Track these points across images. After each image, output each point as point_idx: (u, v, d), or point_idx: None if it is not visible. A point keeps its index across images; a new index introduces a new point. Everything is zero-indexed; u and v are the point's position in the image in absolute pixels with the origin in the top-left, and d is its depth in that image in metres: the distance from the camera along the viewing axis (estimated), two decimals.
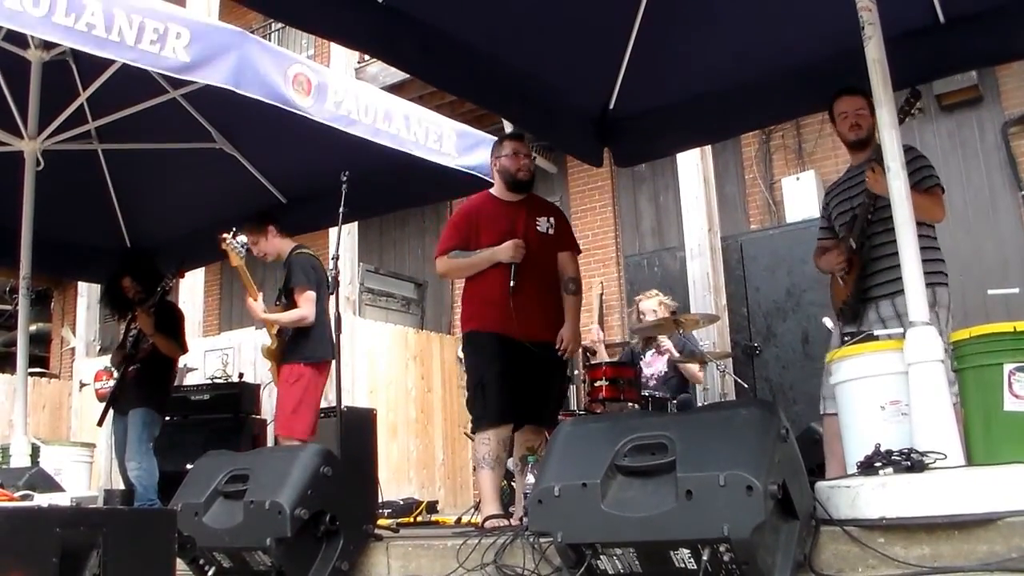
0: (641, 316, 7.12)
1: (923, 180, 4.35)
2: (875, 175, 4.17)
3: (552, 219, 5.18)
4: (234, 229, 5.72)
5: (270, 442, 7.98)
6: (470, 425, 4.98)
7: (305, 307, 5.67)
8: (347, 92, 5.02)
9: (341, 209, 4.80)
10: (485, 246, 5.00)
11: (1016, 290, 6.88)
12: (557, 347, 4.98)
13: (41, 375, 13.66)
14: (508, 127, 9.16)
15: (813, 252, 4.99)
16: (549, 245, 5.13)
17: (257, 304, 5.79)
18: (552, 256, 5.15)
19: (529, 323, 4.88)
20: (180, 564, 3.56)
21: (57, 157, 5.83)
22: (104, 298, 7.40)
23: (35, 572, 2.67)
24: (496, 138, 5.46)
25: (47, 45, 5.33)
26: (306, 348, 5.69)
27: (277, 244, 6.01)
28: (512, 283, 4.87)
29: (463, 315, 5.18)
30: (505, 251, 4.90)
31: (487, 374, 4.85)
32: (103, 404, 6.67)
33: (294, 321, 5.68)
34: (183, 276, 6.92)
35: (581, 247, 5.42)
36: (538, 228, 5.09)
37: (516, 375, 4.84)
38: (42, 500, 3.25)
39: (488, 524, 4.56)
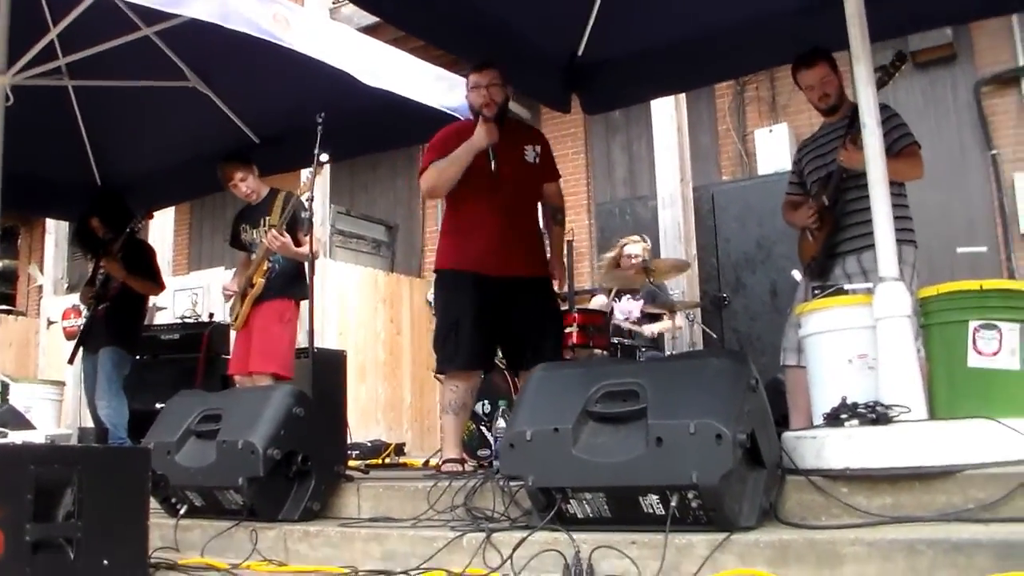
0: (625, 259, 7.14)
1: (899, 139, 4.38)
2: (849, 152, 4.23)
3: (537, 147, 4.95)
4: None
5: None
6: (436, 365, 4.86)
7: (317, 245, 5.63)
8: (325, 32, 4.98)
9: (316, 151, 4.77)
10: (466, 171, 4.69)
11: (984, 248, 6.97)
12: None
13: (8, 313, 13.55)
14: None
15: (782, 205, 5.03)
16: (535, 175, 4.94)
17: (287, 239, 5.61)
18: (537, 187, 4.97)
19: (515, 259, 4.71)
20: (152, 502, 3.58)
21: (27, 93, 5.72)
22: (74, 238, 7.35)
23: (10, 509, 2.69)
24: None
25: None
26: (296, 287, 5.69)
27: (259, 183, 6.05)
28: (498, 218, 4.68)
29: (439, 251, 4.92)
30: (479, 137, 4.61)
31: (463, 316, 4.62)
32: (72, 342, 6.66)
33: (309, 254, 5.46)
34: (151, 218, 6.88)
35: None
36: (525, 157, 4.88)
37: (495, 318, 4.67)
38: (16, 437, 3.26)
39: (445, 467, 4.56)
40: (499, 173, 4.69)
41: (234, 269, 9.63)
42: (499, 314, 4.70)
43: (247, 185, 5.97)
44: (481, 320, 4.63)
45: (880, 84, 4.00)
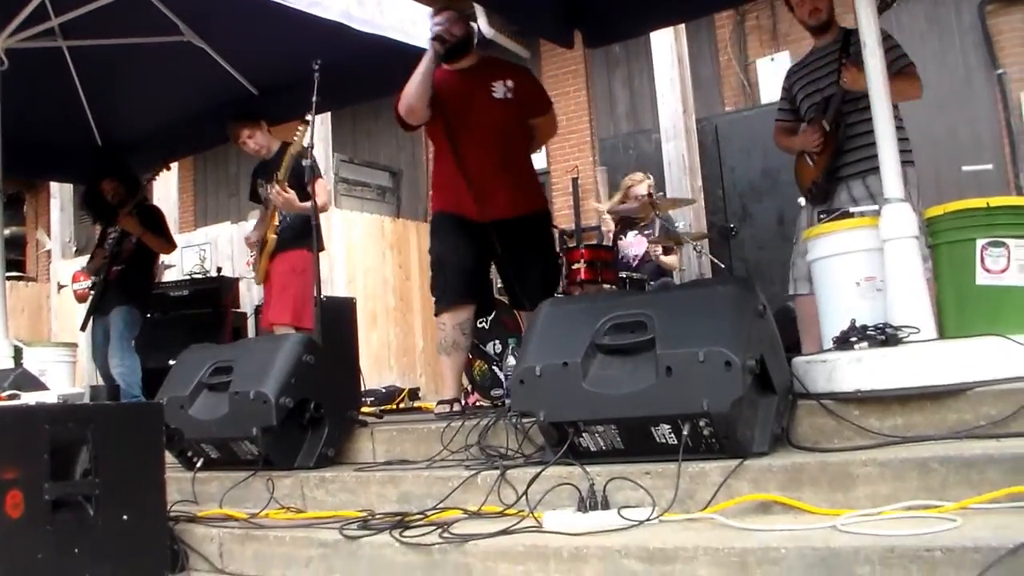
0: (630, 199, 7.13)
1: (896, 61, 4.34)
2: (852, 73, 4.19)
3: (510, 82, 4.81)
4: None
5: (251, 334, 8.05)
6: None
7: (324, 195, 5.92)
8: None
9: (314, 98, 4.71)
10: (437, 114, 4.75)
11: (990, 166, 6.92)
12: None
13: (18, 279, 13.60)
14: (480, 12, 9.00)
15: (773, 132, 5.03)
16: (508, 111, 4.81)
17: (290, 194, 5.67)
18: (512, 122, 4.85)
19: (495, 201, 4.70)
20: (169, 457, 3.60)
21: (22, 56, 5.70)
22: (83, 203, 7.34)
23: (27, 469, 2.71)
24: None
25: None
26: (309, 238, 5.69)
27: (269, 138, 6.13)
28: (471, 161, 4.70)
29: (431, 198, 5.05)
30: (429, 48, 4.66)
31: (442, 253, 4.74)
32: (83, 304, 6.70)
33: (322, 207, 5.68)
34: (169, 169, 6.92)
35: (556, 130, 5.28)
36: (493, 94, 4.77)
37: (482, 259, 4.75)
38: (29, 399, 3.28)
39: (437, 409, 4.65)
40: (464, 116, 4.73)
41: (244, 221, 9.71)
42: (486, 256, 4.77)
43: (255, 142, 6.08)
44: (461, 258, 4.67)
45: (880, 10, 3.98)
